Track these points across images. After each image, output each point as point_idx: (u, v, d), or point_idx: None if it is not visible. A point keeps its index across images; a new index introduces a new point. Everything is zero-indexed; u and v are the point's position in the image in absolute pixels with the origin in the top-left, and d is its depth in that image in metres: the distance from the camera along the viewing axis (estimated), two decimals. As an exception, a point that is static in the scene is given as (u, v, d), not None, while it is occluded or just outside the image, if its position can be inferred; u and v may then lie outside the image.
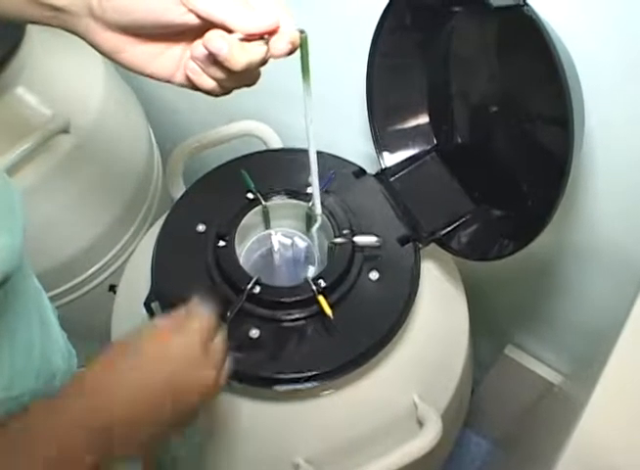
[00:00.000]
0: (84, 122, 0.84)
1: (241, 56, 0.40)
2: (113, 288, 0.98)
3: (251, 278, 0.61)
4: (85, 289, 0.99)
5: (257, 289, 0.61)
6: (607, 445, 0.54)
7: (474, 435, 1.26)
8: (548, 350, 0.99)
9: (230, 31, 0.40)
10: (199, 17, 0.40)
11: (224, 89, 0.44)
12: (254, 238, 0.71)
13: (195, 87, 0.44)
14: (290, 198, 0.70)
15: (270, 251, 0.72)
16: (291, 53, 0.42)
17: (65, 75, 0.86)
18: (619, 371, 0.57)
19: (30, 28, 0.79)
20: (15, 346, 0.48)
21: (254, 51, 0.41)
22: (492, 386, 1.10)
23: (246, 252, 0.69)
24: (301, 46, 0.44)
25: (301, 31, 0.43)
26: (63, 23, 0.43)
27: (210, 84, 0.43)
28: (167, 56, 0.43)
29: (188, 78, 0.43)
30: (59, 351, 0.56)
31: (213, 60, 0.41)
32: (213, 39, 0.40)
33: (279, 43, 0.41)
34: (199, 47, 0.41)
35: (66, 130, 0.82)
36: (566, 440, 0.54)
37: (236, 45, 0.40)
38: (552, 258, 0.82)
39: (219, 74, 0.42)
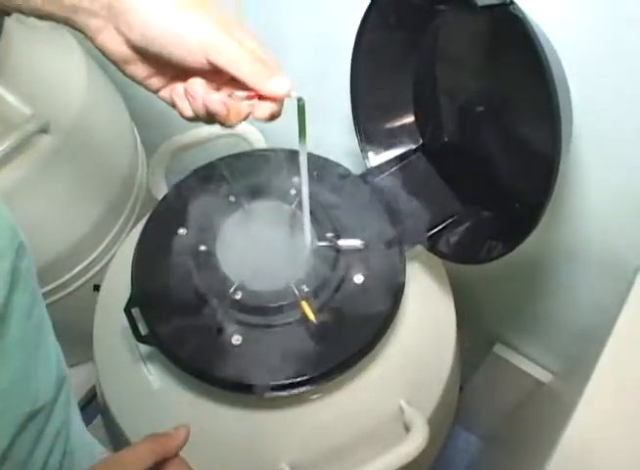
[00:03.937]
0: (65, 122, 0.83)
1: (233, 118, 0.43)
2: (97, 288, 0.97)
3: (232, 283, 0.60)
4: (69, 289, 0.98)
5: (239, 294, 0.60)
6: (599, 443, 0.54)
7: (463, 431, 1.26)
8: (537, 348, 0.99)
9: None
10: (220, 67, 0.41)
11: (198, 120, 0.45)
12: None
13: (173, 107, 0.45)
14: (273, 200, 0.69)
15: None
16: (271, 120, 0.44)
17: (45, 74, 0.84)
18: (611, 370, 0.58)
19: (9, 25, 0.77)
20: (39, 356, 0.47)
21: (244, 112, 0.43)
22: (481, 384, 1.10)
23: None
24: (299, 112, 0.47)
25: (299, 99, 0.45)
26: (74, 22, 0.42)
27: (189, 114, 0.44)
28: (162, 74, 0.45)
29: (171, 98, 0.45)
30: (61, 352, 0.55)
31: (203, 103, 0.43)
32: (215, 102, 0.42)
33: (266, 109, 0.43)
34: (197, 89, 0.43)
35: (45, 130, 0.81)
36: (557, 438, 0.55)
37: (234, 109, 0.42)
38: (541, 257, 0.82)
39: (202, 113, 0.43)
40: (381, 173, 0.74)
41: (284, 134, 0.84)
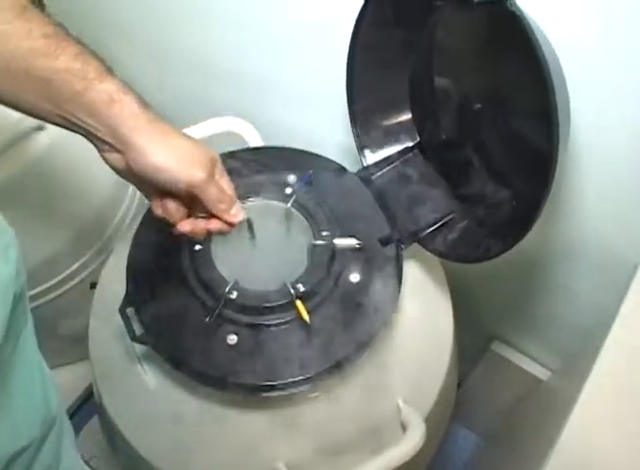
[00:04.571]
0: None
1: (199, 236, 0.56)
2: (94, 286, 0.97)
3: (227, 283, 0.60)
4: (65, 288, 0.97)
5: (235, 294, 0.59)
6: (597, 441, 0.54)
7: (462, 429, 1.26)
8: (535, 346, 0.99)
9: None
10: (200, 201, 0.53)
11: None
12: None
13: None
14: (268, 198, 0.68)
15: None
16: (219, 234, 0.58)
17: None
18: (609, 368, 0.58)
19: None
20: (12, 396, 0.47)
21: (206, 229, 0.56)
22: (479, 381, 1.10)
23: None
24: (249, 227, 0.65)
25: (249, 220, 0.63)
26: (85, 137, 0.50)
27: (160, 214, 0.55)
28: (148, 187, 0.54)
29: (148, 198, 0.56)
30: (54, 391, 0.55)
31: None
32: (185, 225, 0.55)
33: (218, 225, 0.56)
34: (172, 210, 0.54)
35: (41, 127, 0.81)
36: (556, 435, 0.54)
37: (199, 230, 0.55)
38: (540, 255, 0.82)
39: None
40: (377, 171, 0.73)
41: (280, 132, 0.84)
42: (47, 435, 0.50)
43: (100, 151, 0.51)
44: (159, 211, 0.55)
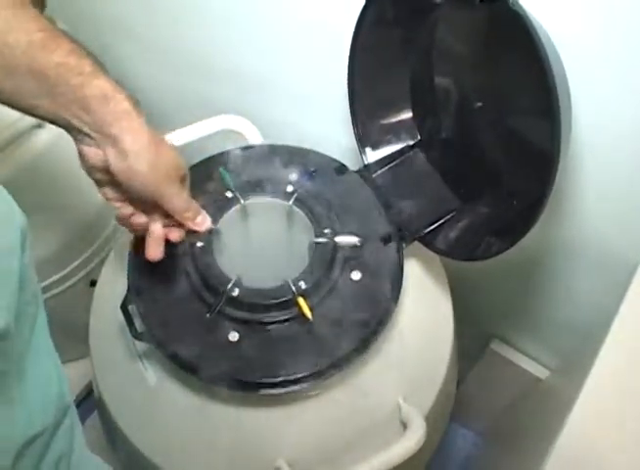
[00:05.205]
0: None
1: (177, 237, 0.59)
2: (94, 283, 0.97)
3: (229, 280, 0.60)
4: (65, 285, 0.97)
5: (236, 291, 0.59)
6: (597, 439, 0.54)
7: (461, 427, 1.26)
8: (534, 345, 0.99)
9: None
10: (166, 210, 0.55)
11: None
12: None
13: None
14: (269, 196, 0.68)
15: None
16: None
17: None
18: (609, 367, 0.58)
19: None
20: (28, 382, 0.47)
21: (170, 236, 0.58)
22: (478, 380, 1.10)
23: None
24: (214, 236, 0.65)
25: (211, 230, 0.62)
26: (66, 128, 0.50)
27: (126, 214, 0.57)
28: (114, 187, 0.55)
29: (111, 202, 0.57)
30: (66, 381, 0.55)
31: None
32: (136, 219, 0.57)
33: (178, 236, 0.58)
34: (140, 220, 0.57)
35: (40, 125, 0.81)
36: (555, 434, 0.54)
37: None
38: (540, 253, 0.82)
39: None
40: (378, 169, 0.73)
41: (280, 131, 0.84)
42: (60, 422, 0.49)
43: (78, 142, 0.51)
44: (120, 211, 0.57)
